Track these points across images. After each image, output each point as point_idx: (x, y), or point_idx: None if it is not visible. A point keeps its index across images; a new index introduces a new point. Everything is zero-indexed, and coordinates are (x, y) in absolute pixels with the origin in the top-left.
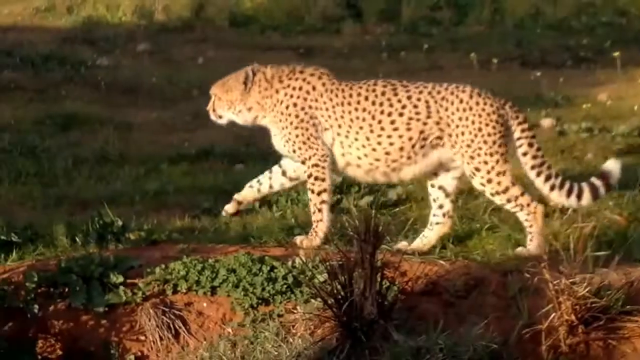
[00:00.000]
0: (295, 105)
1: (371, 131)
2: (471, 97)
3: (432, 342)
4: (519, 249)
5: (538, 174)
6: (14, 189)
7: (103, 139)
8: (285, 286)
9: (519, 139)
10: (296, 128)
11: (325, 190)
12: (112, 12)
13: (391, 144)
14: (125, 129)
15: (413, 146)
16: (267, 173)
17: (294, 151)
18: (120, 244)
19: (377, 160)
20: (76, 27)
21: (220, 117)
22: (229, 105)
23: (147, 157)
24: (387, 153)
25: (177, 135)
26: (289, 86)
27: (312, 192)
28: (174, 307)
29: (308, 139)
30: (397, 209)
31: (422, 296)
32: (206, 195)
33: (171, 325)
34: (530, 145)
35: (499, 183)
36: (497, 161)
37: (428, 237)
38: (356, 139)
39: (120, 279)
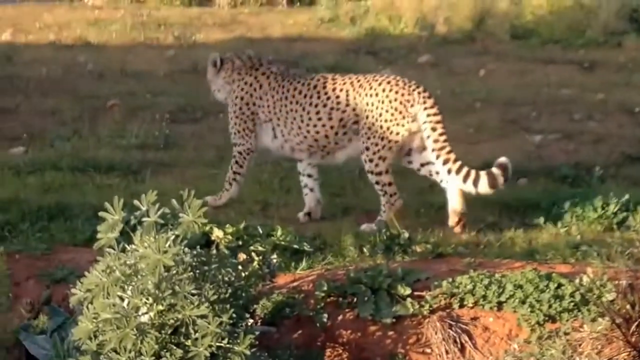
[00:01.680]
0: (242, 98)
1: (301, 121)
2: (380, 84)
3: None
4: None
5: (437, 157)
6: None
7: None
8: (572, 304)
9: (424, 122)
10: (237, 117)
11: (239, 173)
12: (394, 23)
13: (317, 132)
14: None
15: (336, 133)
16: (300, 177)
17: (232, 134)
18: (407, 256)
19: (311, 146)
20: (359, 38)
21: (213, 93)
22: (209, 84)
23: None
24: (316, 140)
25: (461, 147)
26: (242, 80)
27: (231, 169)
28: (460, 321)
29: (244, 129)
30: None
31: None
32: (490, 209)
33: (457, 339)
34: (434, 129)
35: (376, 165)
36: (384, 146)
37: (452, 199)
38: (292, 128)
39: (408, 291)
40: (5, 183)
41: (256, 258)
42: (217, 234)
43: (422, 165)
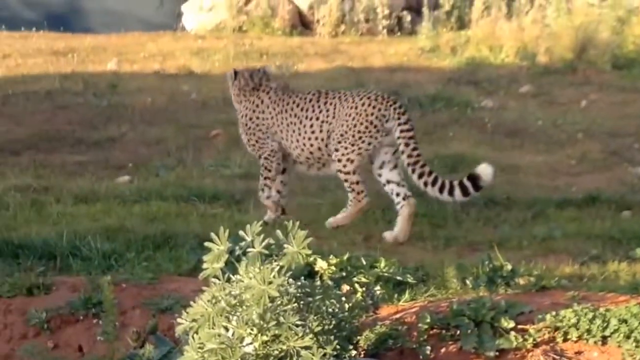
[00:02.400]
0: (249, 117)
1: (299, 133)
2: (361, 99)
3: None
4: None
5: (412, 171)
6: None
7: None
8: None
9: (398, 138)
10: (247, 134)
11: (269, 178)
12: (495, 53)
13: (312, 145)
14: (512, 171)
15: (327, 145)
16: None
17: (253, 150)
18: (510, 289)
19: (308, 158)
20: (460, 68)
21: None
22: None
23: (533, 201)
24: (311, 152)
25: (563, 179)
26: (247, 100)
27: (261, 176)
28: (564, 355)
29: (257, 140)
30: None
31: None
32: (593, 242)
33: None
34: (407, 145)
35: (344, 166)
36: (353, 151)
37: (399, 223)
38: (291, 141)
39: (511, 324)
40: (112, 212)
41: (359, 289)
42: (320, 265)
43: (387, 182)
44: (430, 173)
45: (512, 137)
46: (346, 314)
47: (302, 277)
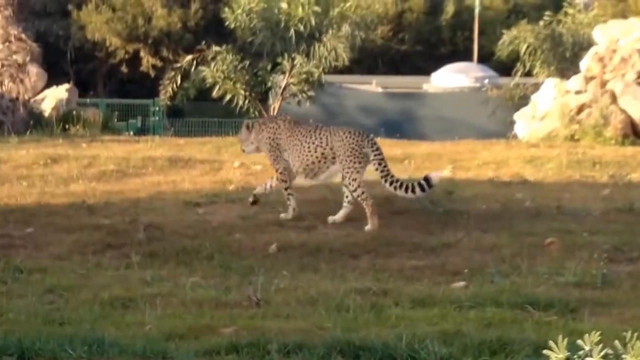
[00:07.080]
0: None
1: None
2: (344, 133)
3: None
4: (367, 227)
5: (385, 181)
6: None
7: None
8: None
9: (373, 160)
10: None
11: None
12: None
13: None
14: None
15: (319, 161)
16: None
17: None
18: None
19: (304, 169)
20: None
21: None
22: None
23: None
24: (307, 165)
25: None
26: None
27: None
28: None
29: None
30: None
31: None
32: None
33: None
34: (379, 163)
35: (351, 184)
36: (352, 171)
37: (340, 213)
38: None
39: None
40: (448, 316)
41: None
42: None
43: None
44: (397, 180)
45: None
46: None
47: None
